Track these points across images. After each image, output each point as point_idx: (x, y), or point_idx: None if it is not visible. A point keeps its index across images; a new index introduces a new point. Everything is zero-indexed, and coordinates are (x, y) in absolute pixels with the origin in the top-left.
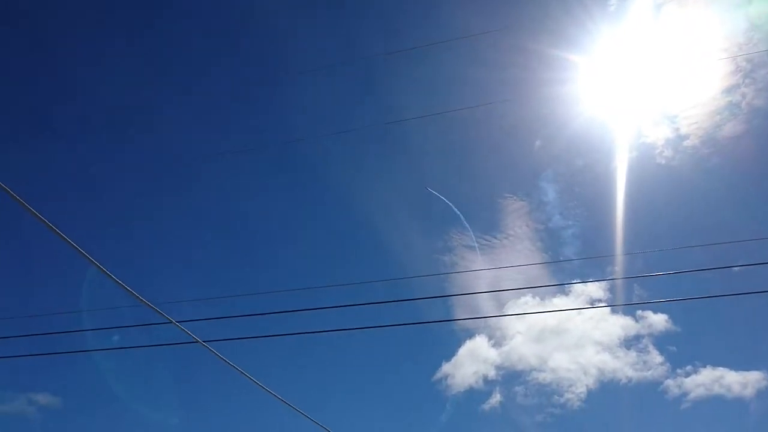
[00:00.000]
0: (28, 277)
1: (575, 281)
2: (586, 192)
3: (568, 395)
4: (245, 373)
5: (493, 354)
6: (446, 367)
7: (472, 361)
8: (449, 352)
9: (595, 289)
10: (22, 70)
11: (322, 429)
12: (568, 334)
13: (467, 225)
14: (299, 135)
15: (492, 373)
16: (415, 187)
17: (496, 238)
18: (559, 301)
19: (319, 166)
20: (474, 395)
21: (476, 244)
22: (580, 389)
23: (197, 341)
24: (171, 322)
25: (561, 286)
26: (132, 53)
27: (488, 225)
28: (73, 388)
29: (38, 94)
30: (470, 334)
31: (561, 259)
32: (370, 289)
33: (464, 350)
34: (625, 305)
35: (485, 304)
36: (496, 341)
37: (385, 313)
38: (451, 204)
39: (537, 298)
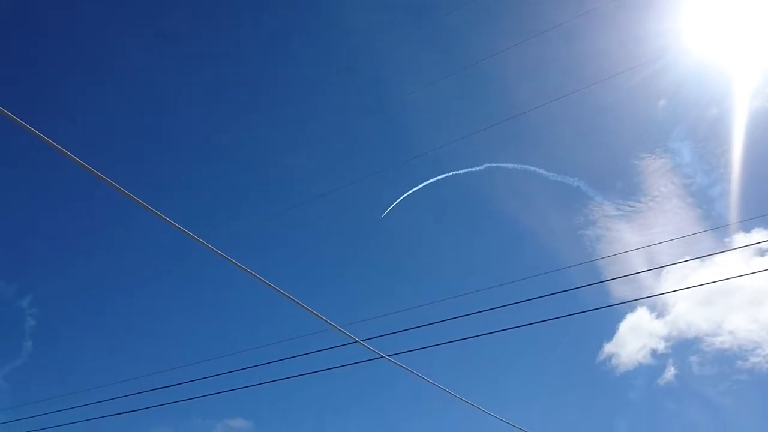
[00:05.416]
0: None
1: None
2: (727, 138)
3: (754, 359)
4: (429, 379)
5: (657, 325)
6: (608, 347)
7: (635, 337)
8: (608, 331)
9: (759, 237)
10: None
11: (512, 427)
12: (740, 291)
13: (591, 192)
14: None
15: (661, 346)
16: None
17: (640, 201)
18: (723, 259)
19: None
20: (645, 372)
21: (620, 211)
22: None
23: (383, 356)
24: (357, 341)
25: (722, 241)
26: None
27: (629, 190)
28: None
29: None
30: (629, 308)
31: (712, 212)
32: (526, 284)
33: (625, 326)
34: None
35: (641, 274)
36: (659, 311)
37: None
38: (563, 177)
39: (697, 259)
